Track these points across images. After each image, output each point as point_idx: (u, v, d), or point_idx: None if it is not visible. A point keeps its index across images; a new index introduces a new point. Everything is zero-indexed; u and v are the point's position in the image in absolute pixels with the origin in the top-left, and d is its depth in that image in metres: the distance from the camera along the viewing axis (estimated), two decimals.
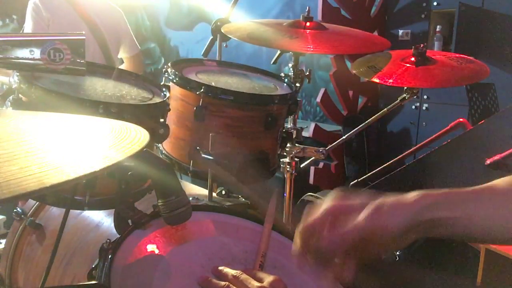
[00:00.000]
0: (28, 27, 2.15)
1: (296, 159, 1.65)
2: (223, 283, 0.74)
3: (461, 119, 2.27)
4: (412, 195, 0.64)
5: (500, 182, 0.66)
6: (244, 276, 0.75)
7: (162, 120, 1.04)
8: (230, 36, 1.53)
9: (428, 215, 0.62)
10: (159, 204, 0.80)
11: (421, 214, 0.62)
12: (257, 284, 0.73)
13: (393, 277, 1.03)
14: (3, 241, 1.92)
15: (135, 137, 0.55)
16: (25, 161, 0.42)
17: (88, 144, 0.54)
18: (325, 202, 0.66)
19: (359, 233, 0.62)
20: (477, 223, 0.63)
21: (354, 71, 1.70)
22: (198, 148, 1.13)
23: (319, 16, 2.97)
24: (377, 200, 0.64)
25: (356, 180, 2.33)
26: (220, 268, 0.79)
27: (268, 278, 0.74)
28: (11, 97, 0.92)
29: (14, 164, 0.41)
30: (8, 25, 4.70)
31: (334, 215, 0.65)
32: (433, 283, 1.01)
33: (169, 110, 1.07)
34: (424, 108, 3.10)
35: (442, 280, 1.01)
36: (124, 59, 2.50)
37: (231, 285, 0.74)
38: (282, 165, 1.64)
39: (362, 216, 0.62)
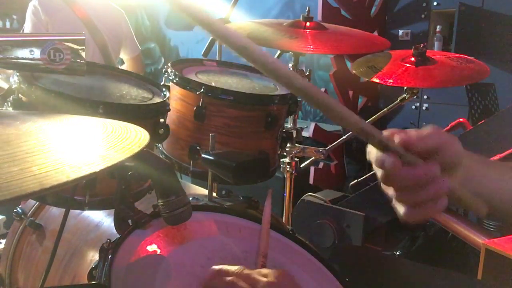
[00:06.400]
0: (27, 29, 2.15)
1: (296, 159, 1.65)
2: (228, 277, 0.70)
3: (461, 119, 2.27)
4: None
5: None
6: (247, 271, 0.71)
7: (162, 120, 1.04)
8: None
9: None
10: (159, 204, 0.79)
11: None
12: (263, 279, 0.69)
13: (394, 274, 1.02)
14: (3, 241, 1.92)
15: (135, 137, 0.55)
16: (25, 162, 0.42)
17: (88, 144, 0.54)
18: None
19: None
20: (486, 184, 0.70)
21: (354, 71, 1.70)
22: (198, 148, 1.13)
23: (319, 16, 2.96)
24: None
25: (356, 180, 2.34)
26: (217, 267, 0.73)
27: (273, 273, 0.71)
28: (11, 97, 0.92)
29: (14, 165, 0.40)
30: (6, 25, 4.71)
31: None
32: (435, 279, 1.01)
33: (169, 110, 1.07)
34: (424, 108, 3.09)
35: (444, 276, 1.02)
36: (125, 60, 2.50)
37: (237, 278, 0.69)
38: (282, 165, 1.65)
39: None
